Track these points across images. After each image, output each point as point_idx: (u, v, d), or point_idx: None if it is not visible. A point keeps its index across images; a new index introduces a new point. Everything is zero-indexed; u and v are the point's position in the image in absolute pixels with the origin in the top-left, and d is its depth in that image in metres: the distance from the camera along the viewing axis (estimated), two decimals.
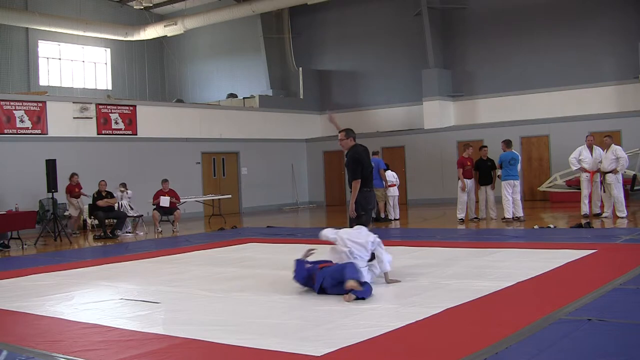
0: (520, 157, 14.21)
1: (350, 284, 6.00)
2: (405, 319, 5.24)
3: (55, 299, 7.01)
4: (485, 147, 14.83)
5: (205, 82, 27.01)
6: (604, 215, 13.26)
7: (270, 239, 12.59)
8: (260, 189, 22.26)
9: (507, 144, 13.86)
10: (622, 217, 12.76)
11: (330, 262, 6.60)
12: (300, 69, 24.81)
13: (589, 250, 8.55)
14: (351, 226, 7.45)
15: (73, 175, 15.59)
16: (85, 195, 15.59)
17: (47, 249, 13.01)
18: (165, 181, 15.61)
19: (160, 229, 15.13)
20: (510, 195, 13.56)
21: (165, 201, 15.25)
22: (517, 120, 19.91)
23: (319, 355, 4.33)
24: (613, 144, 13.22)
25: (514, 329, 4.73)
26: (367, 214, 7.68)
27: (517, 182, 13.68)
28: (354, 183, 7.59)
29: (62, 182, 15.08)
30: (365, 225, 7.41)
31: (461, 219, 14.19)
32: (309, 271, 6.54)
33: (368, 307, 5.83)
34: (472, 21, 21.50)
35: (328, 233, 6.93)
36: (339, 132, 7.99)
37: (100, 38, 24.95)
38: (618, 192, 12.96)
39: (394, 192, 15.54)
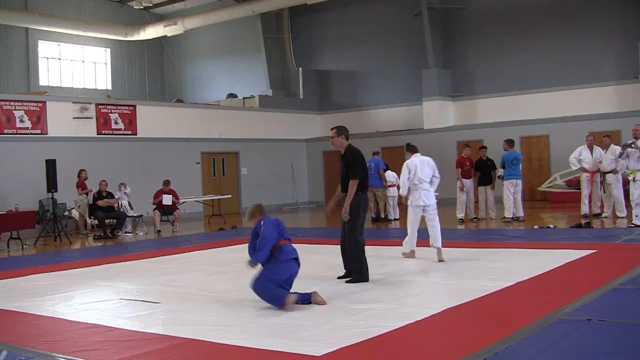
0: (521, 157, 14.21)
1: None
2: (405, 319, 5.25)
3: (55, 299, 7.01)
4: (485, 147, 14.83)
5: (205, 82, 27.01)
6: (603, 215, 13.26)
7: None
8: (260, 189, 22.24)
9: (510, 143, 13.85)
10: (622, 217, 12.75)
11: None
12: (300, 69, 24.81)
13: (589, 250, 8.56)
14: (345, 229, 7.33)
15: (81, 171, 15.65)
16: (89, 191, 15.65)
17: (47, 249, 13.01)
18: (167, 183, 15.59)
19: (159, 229, 15.12)
20: (512, 194, 13.57)
21: (167, 199, 15.26)
22: (517, 120, 19.90)
23: (319, 355, 4.34)
24: (612, 144, 13.21)
25: (514, 329, 4.73)
26: (364, 217, 7.40)
27: (519, 182, 13.68)
28: (352, 182, 7.17)
29: (62, 182, 15.08)
30: (359, 230, 7.23)
31: (461, 219, 14.19)
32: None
33: (368, 307, 5.84)
34: (472, 21, 21.50)
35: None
36: (331, 129, 7.57)
37: (100, 38, 24.94)
38: (618, 192, 12.95)
39: (393, 192, 15.52)
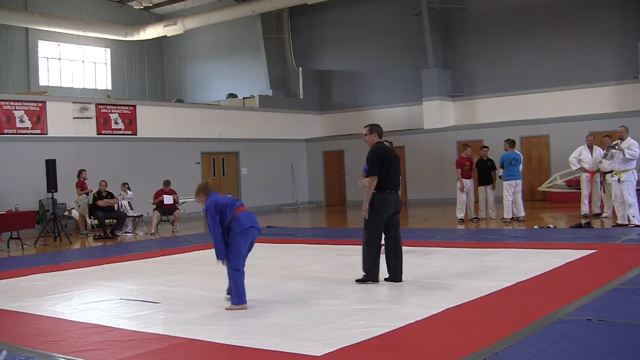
0: (521, 157, 14.18)
1: None
2: (405, 319, 5.24)
3: (55, 299, 7.01)
4: (486, 147, 14.83)
5: (205, 82, 27.00)
6: (603, 215, 13.25)
7: (270, 239, 12.58)
8: (260, 189, 22.25)
9: (510, 143, 13.83)
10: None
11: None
12: (300, 69, 24.81)
13: (589, 250, 8.55)
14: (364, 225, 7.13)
15: (82, 171, 15.65)
16: (89, 191, 15.64)
17: (47, 249, 13.01)
18: (167, 183, 15.59)
19: (154, 231, 15.06)
20: (511, 195, 13.55)
21: (168, 199, 15.26)
22: (517, 120, 19.90)
23: (319, 355, 4.33)
24: None
25: (514, 329, 4.73)
26: (380, 218, 7.00)
27: (519, 182, 13.65)
28: (369, 179, 7.03)
29: (62, 182, 15.08)
30: (376, 232, 6.99)
31: (461, 219, 14.19)
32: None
33: (368, 307, 5.84)
34: (472, 21, 21.50)
35: None
36: (364, 127, 7.44)
37: (100, 38, 24.94)
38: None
39: None
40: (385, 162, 7.05)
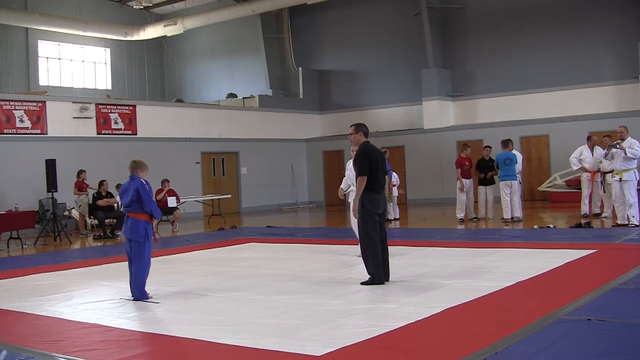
0: (520, 157, 14.12)
1: None
2: (405, 319, 5.24)
3: (55, 299, 7.01)
4: (489, 147, 14.78)
5: (205, 82, 27.01)
6: (603, 215, 13.25)
7: (270, 238, 12.60)
8: (260, 188, 22.25)
9: (504, 144, 13.77)
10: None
11: None
12: (300, 69, 24.81)
13: (589, 250, 8.55)
14: (358, 229, 7.13)
15: (81, 172, 15.65)
16: (92, 189, 15.58)
17: (47, 248, 13.01)
18: (166, 181, 15.60)
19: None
20: (508, 196, 13.47)
21: (172, 201, 15.25)
22: (517, 120, 19.91)
23: (319, 355, 4.34)
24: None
25: (514, 329, 4.73)
26: (373, 218, 6.99)
27: (515, 183, 13.47)
28: (358, 179, 6.99)
29: (62, 182, 15.07)
30: (374, 234, 6.95)
31: (461, 218, 14.19)
32: None
33: (368, 307, 5.84)
34: (472, 21, 21.50)
35: None
36: (350, 126, 7.41)
37: (100, 38, 24.94)
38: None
39: (394, 192, 15.55)
40: (373, 162, 7.03)
